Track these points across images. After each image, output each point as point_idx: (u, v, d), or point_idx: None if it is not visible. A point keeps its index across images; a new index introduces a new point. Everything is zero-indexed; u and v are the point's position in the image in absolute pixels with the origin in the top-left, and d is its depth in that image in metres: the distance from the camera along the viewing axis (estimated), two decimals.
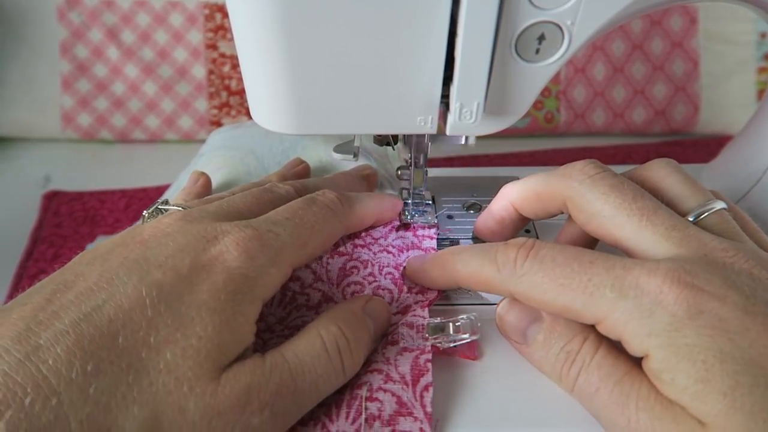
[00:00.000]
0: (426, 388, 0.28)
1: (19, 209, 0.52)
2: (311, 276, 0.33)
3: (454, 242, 0.37)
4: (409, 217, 0.37)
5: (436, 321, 0.30)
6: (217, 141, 0.45)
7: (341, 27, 0.26)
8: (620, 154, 0.60)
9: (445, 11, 0.25)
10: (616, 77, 0.61)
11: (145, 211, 0.31)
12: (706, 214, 0.27)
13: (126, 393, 0.22)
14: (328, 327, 0.27)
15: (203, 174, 0.39)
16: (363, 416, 0.26)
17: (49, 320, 0.22)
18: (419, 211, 0.38)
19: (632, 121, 0.62)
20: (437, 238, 0.37)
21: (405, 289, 0.33)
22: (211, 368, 0.23)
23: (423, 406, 0.27)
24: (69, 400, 0.21)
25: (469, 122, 0.28)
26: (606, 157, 0.59)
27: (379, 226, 0.36)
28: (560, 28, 0.27)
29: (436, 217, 0.38)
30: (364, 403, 0.27)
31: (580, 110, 0.62)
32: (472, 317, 0.30)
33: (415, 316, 0.31)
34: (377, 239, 0.35)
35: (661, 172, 0.29)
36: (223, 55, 0.61)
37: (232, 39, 0.60)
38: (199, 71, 0.61)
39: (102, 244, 0.27)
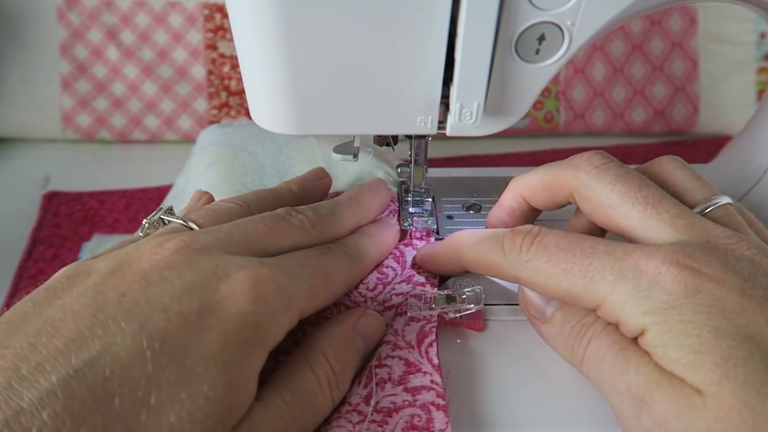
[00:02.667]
0: (430, 344, 0.29)
1: (19, 209, 0.51)
2: None
3: None
4: (407, 224, 0.37)
5: (443, 293, 0.32)
6: (208, 139, 0.45)
7: (341, 27, 0.26)
8: (620, 154, 0.59)
9: (445, 11, 0.25)
10: (615, 77, 0.61)
11: (145, 219, 0.29)
12: (711, 207, 0.27)
13: None
14: (319, 361, 0.26)
15: (206, 193, 0.36)
16: (374, 381, 0.27)
17: (34, 375, 0.19)
18: (418, 209, 0.38)
19: (632, 121, 0.62)
20: (435, 239, 0.37)
21: (408, 265, 0.34)
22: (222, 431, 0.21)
23: (429, 360, 0.28)
24: None
25: (469, 122, 0.28)
26: None
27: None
28: (560, 29, 0.27)
29: (435, 216, 0.38)
30: (373, 371, 0.28)
31: (579, 110, 0.62)
32: (477, 290, 0.31)
33: (423, 289, 0.32)
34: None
35: (669, 167, 0.30)
36: (222, 56, 0.61)
37: (231, 39, 0.60)
38: (199, 71, 0.61)
39: (93, 263, 0.24)
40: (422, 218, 0.37)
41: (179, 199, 0.44)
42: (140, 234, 0.29)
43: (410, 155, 0.36)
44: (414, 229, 0.37)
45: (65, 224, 0.50)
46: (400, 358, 0.28)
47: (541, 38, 0.27)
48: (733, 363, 0.21)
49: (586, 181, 0.28)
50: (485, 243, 0.29)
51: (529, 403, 0.28)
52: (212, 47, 0.61)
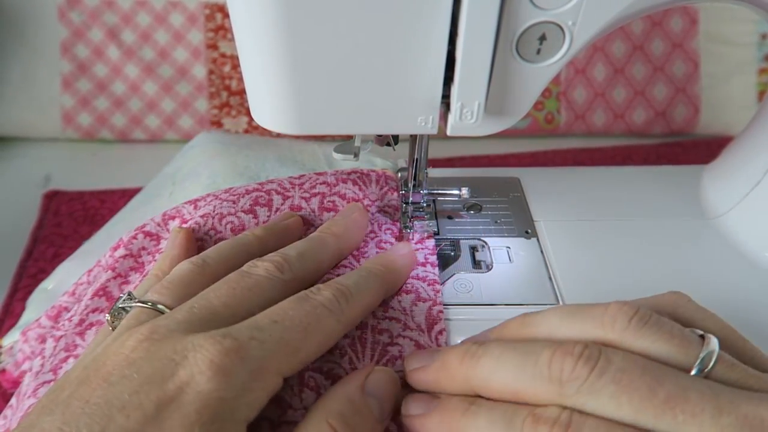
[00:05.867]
0: (440, 332, 0.30)
1: (20, 209, 0.52)
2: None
3: (454, 242, 0.37)
4: (407, 229, 0.37)
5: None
6: (208, 137, 0.46)
7: (342, 27, 0.26)
8: (620, 155, 0.60)
9: (446, 11, 0.25)
10: (616, 78, 0.61)
11: (107, 315, 0.28)
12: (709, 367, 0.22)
13: None
14: (320, 426, 0.23)
15: (181, 230, 0.34)
16: (386, 358, 0.29)
17: None
18: (419, 213, 0.38)
19: (632, 122, 0.62)
20: (435, 239, 0.37)
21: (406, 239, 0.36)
22: None
23: (439, 346, 0.29)
24: None
25: (469, 122, 0.28)
26: (606, 158, 0.59)
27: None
28: (561, 29, 0.27)
29: (435, 218, 0.38)
30: (385, 348, 0.29)
31: (580, 111, 0.62)
32: None
33: (425, 270, 0.34)
34: (373, 201, 0.38)
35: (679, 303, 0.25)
36: (223, 55, 0.61)
37: (232, 39, 0.60)
38: (200, 71, 0.61)
39: (68, 378, 0.24)
40: (422, 222, 0.37)
41: (168, 182, 0.43)
42: (108, 327, 0.28)
43: (412, 156, 0.36)
44: (414, 231, 0.37)
45: (66, 223, 0.50)
46: (411, 339, 0.30)
47: (542, 38, 0.27)
48: None
49: (574, 400, 0.22)
50: (513, 362, 0.23)
51: None
52: (213, 47, 0.61)
